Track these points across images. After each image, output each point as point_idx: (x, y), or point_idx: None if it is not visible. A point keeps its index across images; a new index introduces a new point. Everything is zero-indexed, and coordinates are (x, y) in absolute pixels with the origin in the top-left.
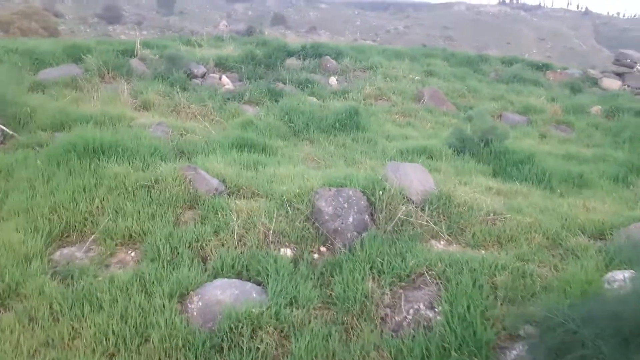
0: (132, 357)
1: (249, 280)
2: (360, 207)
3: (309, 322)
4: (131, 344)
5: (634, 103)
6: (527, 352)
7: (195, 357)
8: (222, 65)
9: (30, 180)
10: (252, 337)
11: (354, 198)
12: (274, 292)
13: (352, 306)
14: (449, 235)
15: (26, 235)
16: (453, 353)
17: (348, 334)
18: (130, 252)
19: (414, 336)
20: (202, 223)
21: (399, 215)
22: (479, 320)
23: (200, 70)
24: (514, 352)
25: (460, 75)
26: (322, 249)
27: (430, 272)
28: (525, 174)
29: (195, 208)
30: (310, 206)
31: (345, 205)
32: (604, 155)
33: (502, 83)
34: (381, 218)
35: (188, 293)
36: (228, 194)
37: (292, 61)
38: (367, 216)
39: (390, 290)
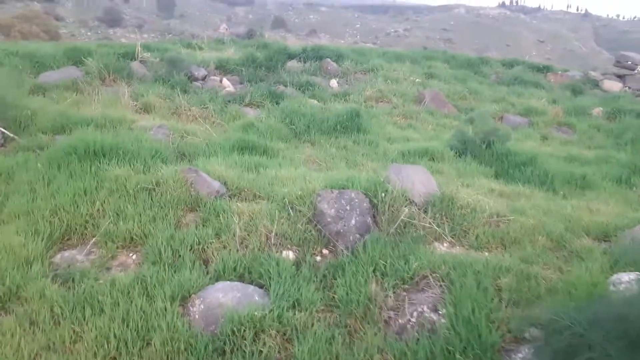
0: None
1: (251, 283)
2: (363, 210)
3: (312, 325)
4: (133, 347)
5: (635, 105)
6: (533, 355)
7: None
8: (222, 68)
9: (31, 183)
10: (254, 341)
11: (356, 200)
12: (277, 294)
13: (355, 309)
14: (452, 238)
15: (27, 238)
16: (458, 356)
17: (351, 337)
18: (131, 254)
19: (418, 339)
20: (203, 225)
21: (402, 217)
22: (483, 322)
23: (201, 72)
24: (520, 355)
25: (461, 78)
26: (325, 251)
27: (433, 275)
28: (527, 175)
29: (197, 210)
30: (312, 208)
31: (348, 208)
32: (607, 157)
33: (503, 85)
34: (384, 220)
35: (190, 296)
36: (229, 197)
37: (292, 64)
38: (369, 218)
39: (394, 292)
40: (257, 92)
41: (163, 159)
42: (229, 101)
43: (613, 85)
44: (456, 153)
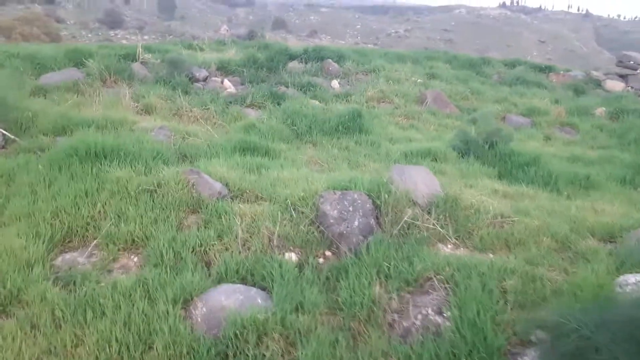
0: None
1: (253, 285)
2: (366, 211)
3: (315, 328)
4: (134, 351)
5: (638, 104)
6: (539, 358)
7: None
8: (224, 69)
9: (32, 185)
10: (257, 344)
11: (359, 201)
12: (279, 297)
13: (359, 312)
14: (456, 239)
15: (28, 240)
16: (463, 359)
17: (355, 340)
18: (133, 257)
19: (422, 342)
20: (205, 227)
21: (405, 218)
22: (489, 325)
23: (202, 74)
24: (526, 358)
25: (462, 78)
26: (328, 253)
27: (438, 277)
28: (531, 176)
29: (199, 212)
30: (314, 210)
31: (351, 209)
32: (610, 157)
33: (505, 85)
34: (387, 221)
35: (192, 299)
36: (231, 198)
37: (294, 64)
38: (372, 220)
39: (398, 295)
40: (258, 93)
41: (164, 161)
42: (230, 102)
43: (615, 85)
44: (459, 153)
